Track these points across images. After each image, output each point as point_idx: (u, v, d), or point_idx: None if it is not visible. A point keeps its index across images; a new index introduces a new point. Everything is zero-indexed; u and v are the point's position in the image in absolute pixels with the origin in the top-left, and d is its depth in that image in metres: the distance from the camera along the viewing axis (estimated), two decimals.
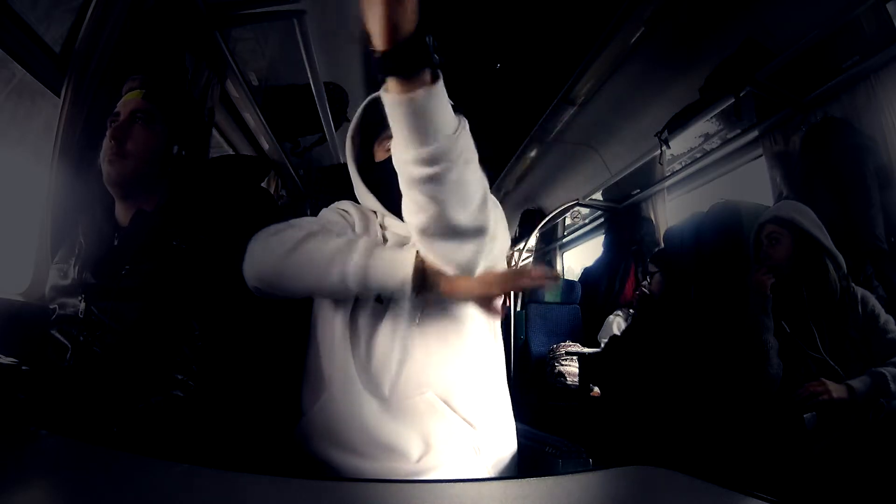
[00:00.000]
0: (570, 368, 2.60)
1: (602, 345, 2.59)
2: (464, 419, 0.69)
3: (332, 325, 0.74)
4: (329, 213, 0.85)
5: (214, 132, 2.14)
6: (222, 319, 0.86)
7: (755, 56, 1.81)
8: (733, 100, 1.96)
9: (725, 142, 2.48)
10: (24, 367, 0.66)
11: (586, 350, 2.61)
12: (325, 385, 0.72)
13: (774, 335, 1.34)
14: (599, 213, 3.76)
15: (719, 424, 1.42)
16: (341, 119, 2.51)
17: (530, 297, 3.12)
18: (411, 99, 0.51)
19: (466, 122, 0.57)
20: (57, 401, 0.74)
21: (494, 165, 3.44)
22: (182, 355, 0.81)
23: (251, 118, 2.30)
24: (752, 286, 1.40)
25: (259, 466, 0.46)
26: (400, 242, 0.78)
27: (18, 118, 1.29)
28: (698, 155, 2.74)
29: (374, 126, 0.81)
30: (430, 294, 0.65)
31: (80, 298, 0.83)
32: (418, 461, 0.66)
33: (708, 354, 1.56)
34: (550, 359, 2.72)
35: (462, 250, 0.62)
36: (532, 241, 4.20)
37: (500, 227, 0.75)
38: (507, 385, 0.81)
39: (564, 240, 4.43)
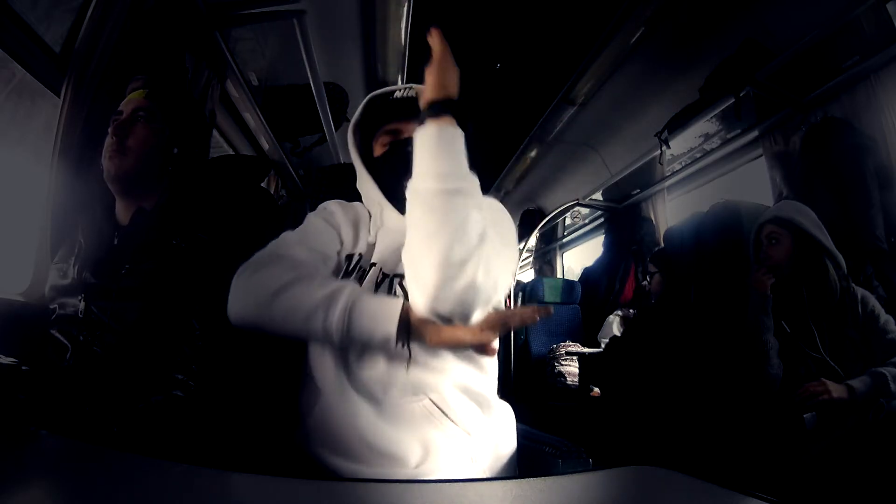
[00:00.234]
0: (570, 368, 2.60)
1: (602, 345, 2.59)
2: (459, 426, 0.69)
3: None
4: (315, 221, 0.82)
5: (214, 132, 2.14)
6: (222, 319, 0.87)
7: (755, 56, 1.81)
8: (733, 100, 1.96)
9: (725, 142, 2.48)
10: (24, 367, 0.66)
11: (586, 350, 2.61)
12: (321, 390, 0.71)
13: (774, 335, 1.34)
14: (599, 213, 3.76)
15: (719, 424, 1.42)
16: (341, 119, 2.51)
17: (530, 297, 3.12)
18: (443, 129, 0.62)
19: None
20: (57, 401, 0.74)
21: (494, 165, 3.44)
22: (182, 355, 0.82)
23: (251, 118, 2.30)
24: (752, 286, 1.40)
25: (259, 466, 0.46)
26: (395, 241, 0.76)
27: (18, 118, 1.29)
28: (698, 155, 2.74)
29: (373, 123, 0.83)
30: (417, 344, 0.65)
31: (79, 298, 0.83)
32: (417, 467, 0.66)
33: (708, 354, 1.56)
34: (550, 359, 2.72)
35: (456, 285, 0.59)
36: (532, 241, 4.20)
37: (502, 279, 0.71)
38: (504, 389, 0.80)
39: (564, 240, 4.43)
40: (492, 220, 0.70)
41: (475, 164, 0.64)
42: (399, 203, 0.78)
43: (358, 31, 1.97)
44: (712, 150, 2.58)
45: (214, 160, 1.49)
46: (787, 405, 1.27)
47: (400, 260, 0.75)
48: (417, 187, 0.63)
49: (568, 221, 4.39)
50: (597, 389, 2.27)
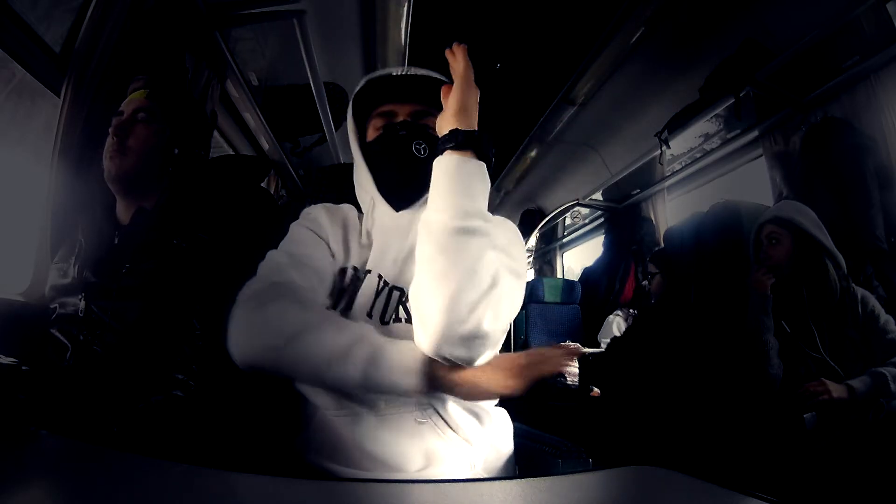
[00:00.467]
0: (570, 368, 2.60)
1: (602, 345, 2.59)
2: (460, 436, 0.68)
3: None
4: (301, 233, 0.75)
5: (214, 132, 2.14)
6: (223, 319, 0.86)
7: (755, 56, 1.81)
8: (733, 100, 1.96)
9: (725, 142, 2.48)
10: (24, 367, 0.66)
11: (586, 350, 2.61)
12: (321, 398, 0.70)
13: (774, 335, 1.34)
14: (599, 213, 3.77)
15: (719, 424, 1.42)
16: (341, 119, 2.51)
17: (530, 297, 3.12)
18: (464, 162, 0.60)
19: None
20: (57, 401, 0.74)
21: (494, 165, 3.44)
22: (182, 355, 0.82)
23: (251, 118, 2.30)
24: (752, 286, 1.40)
25: (259, 466, 0.46)
26: (390, 243, 0.74)
27: (18, 118, 1.29)
28: (698, 155, 2.74)
29: (368, 106, 0.79)
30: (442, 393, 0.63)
31: (80, 297, 0.83)
32: (417, 473, 0.65)
33: (708, 354, 1.56)
34: None
35: (463, 330, 0.56)
36: (532, 241, 4.20)
37: (512, 315, 0.68)
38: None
39: (564, 240, 4.43)
40: (505, 243, 0.68)
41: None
42: (391, 196, 0.76)
43: (358, 31, 1.97)
44: (712, 150, 2.58)
45: (214, 160, 1.49)
46: (787, 405, 1.27)
47: (398, 268, 0.73)
48: (431, 221, 0.60)
49: (568, 221, 4.39)
50: (597, 389, 2.27)
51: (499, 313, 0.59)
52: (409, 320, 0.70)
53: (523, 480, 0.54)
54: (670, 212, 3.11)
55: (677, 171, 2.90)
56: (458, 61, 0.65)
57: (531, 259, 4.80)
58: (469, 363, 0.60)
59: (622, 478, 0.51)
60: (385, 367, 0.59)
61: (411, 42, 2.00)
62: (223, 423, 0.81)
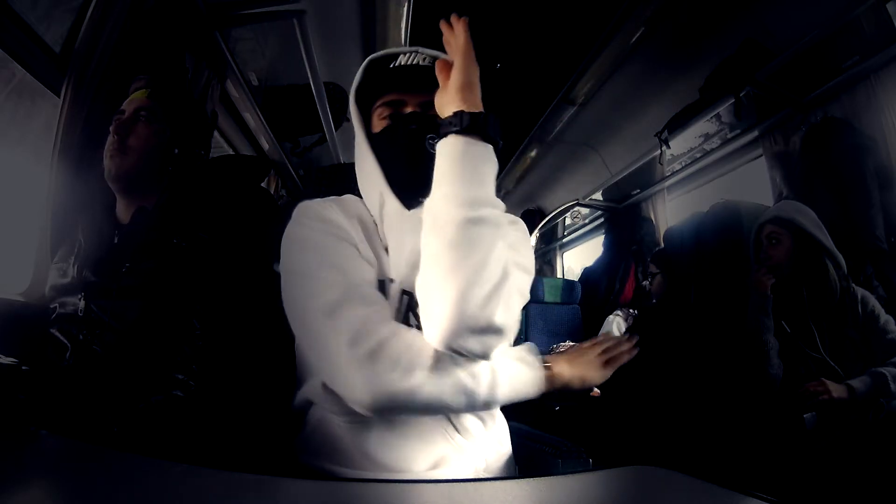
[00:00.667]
0: None
1: None
2: (467, 440, 0.68)
3: None
4: (331, 244, 0.67)
5: (214, 132, 2.14)
6: (223, 319, 0.86)
7: (755, 56, 1.81)
8: (733, 100, 1.96)
9: (725, 142, 2.48)
10: (24, 367, 0.66)
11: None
12: (327, 403, 0.67)
13: (774, 335, 1.34)
14: (599, 213, 3.76)
15: (719, 424, 1.42)
16: (341, 119, 2.51)
17: (530, 297, 3.12)
18: (471, 146, 0.57)
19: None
20: (57, 401, 0.74)
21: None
22: (183, 354, 0.81)
23: (251, 118, 2.30)
24: (752, 286, 1.40)
25: (259, 467, 0.46)
26: (404, 245, 0.70)
27: (18, 118, 1.29)
28: (698, 155, 2.74)
29: (372, 91, 0.73)
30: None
31: (79, 297, 0.83)
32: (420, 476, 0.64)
33: (708, 355, 1.56)
34: None
35: (474, 325, 0.55)
36: (532, 241, 4.20)
37: (520, 308, 0.67)
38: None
39: (564, 240, 4.43)
40: (514, 242, 0.65)
41: None
42: (403, 194, 0.70)
43: (358, 31, 1.97)
44: (712, 150, 2.58)
45: (214, 160, 1.49)
46: (787, 405, 1.27)
47: (411, 270, 0.68)
48: (437, 211, 0.56)
49: (568, 221, 4.39)
50: (597, 389, 2.27)
51: (510, 304, 0.57)
52: (419, 327, 0.66)
53: (523, 480, 0.54)
54: (670, 212, 3.11)
55: (677, 171, 2.90)
56: (458, 35, 0.61)
57: None
58: (483, 357, 0.58)
59: (622, 478, 0.51)
60: (507, 386, 0.65)
61: (411, 42, 2.00)
62: (223, 423, 0.81)
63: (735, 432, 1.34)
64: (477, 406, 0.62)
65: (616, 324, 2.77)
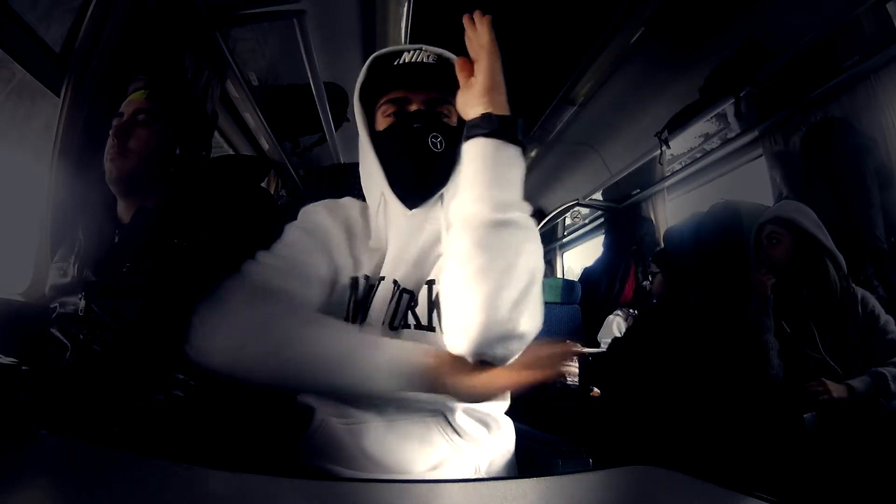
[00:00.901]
0: (570, 368, 2.60)
1: (602, 345, 2.59)
2: (469, 443, 0.67)
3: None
4: (294, 237, 0.69)
5: (215, 132, 2.14)
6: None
7: (755, 56, 1.81)
8: (733, 100, 1.96)
9: (725, 142, 2.48)
10: (24, 367, 0.66)
11: (586, 350, 2.61)
12: (326, 405, 0.67)
13: (775, 335, 1.34)
14: (599, 213, 3.77)
15: (719, 424, 1.42)
16: (341, 119, 2.51)
17: None
18: (502, 149, 0.56)
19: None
20: (57, 401, 0.74)
21: None
22: (183, 354, 0.81)
23: (251, 118, 2.30)
24: (752, 286, 1.40)
25: (259, 466, 0.46)
26: (405, 246, 0.70)
27: (18, 118, 1.29)
28: (698, 155, 2.75)
29: (376, 89, 0.73)
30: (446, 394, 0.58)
31: (80, 296, 0.83)
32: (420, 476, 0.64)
33: (708, 355, 1.56)
34: None
35: (501, 329, 0.54)
36: None
37: None
38: (508, 396, 0.75)
39: (564, 240, 4.43)
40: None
41: None
42: (405, 194, 0.70)
43: (358, 31, 1.97)
44: (712, 150, 2.58)
45: (214, 160, 1.49)
46: (787, 405, 1.27)
47: (411, 270, 0.69)
48: (467, 213, 0.56)
49: (568, 221, 4.39)
50: (597, 390, 2.28)
51: (534, 312, 0.56)
52: (417, 326, 0.67)
53: (523, 480, 0.54)
54: (670, 212, 3.11)
55: (677, 171, 2.90)
56: (481, 34, 0.59)
57: None
58: (503, 363, 0.57)
59: (622, 478, 0.51)
60: (382, 368, 0.55)
61: (411, 42, 1.99)
62: (224, 423, 0.81)
63: (735, 432, 1.35)
64: (346, 390, 0.57)
65: (616, 324, 2.77)
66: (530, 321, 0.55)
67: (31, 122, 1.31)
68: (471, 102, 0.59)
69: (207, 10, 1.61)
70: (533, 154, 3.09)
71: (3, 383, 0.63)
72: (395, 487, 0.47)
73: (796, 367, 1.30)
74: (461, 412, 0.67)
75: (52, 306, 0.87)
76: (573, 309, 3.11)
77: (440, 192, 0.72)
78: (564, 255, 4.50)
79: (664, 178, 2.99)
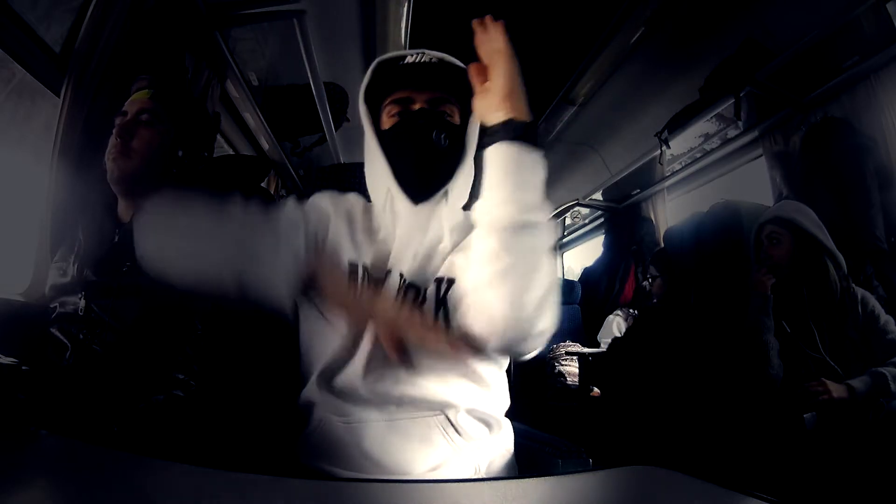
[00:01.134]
0: (570, 368, 2.60)
1: (602, 345, 2.59)
2: (469, 443, 0.67)
3: (326, 330, 0.68)
4: (289, 208, 0.72)
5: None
6: (224, 319, 0.86)
7: (755, 56, 1.81)
8: (733, 100, 1.96)
9: (725, 142, 2.48)
10: (24, 367, 0.66)
11: (586, 350, 2.61)
12: (328, 403, 0.67)
13: (775, 335, 1.34)
14: (599, 213, 3.77)
15: (719, 424, 1.42)
16: (341, 119, 2.51)
17: None
18: (526, 154, 0.59)
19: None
20: (57, 401, 0.74)
21: None
22: (184, 354, 0.82)
23: (251, 118, 2.31)
24: (752, 286, 1.40)
25: (259, 466, 0.46)
26: (411, 239, 0.71)
27: (18, 118, 1.30)
28: (698, 155, 2.75)
29: (380, 91, 0.75)
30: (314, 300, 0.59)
31: (80, 296, 0.83)
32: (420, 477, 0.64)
33: (708, 355, 1.56)
34: (550, 359, 2.72)
35: (525, 327, 0.57)
36: None
37: None
38: (508, 396, 0.76)
39: (564, 240, 4.43)
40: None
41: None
42: (410, 189, 0.71)
43: (358, 31, 1.97)
44: (712, 150, 2.58)
45: (215, 160, 1.49)
46: (787, 405, 1.27)
47: (418, 264, 0.70)
48: (495, 215, 0.58)
49: (568, 221, 4.39)
50: (597, 390, 2.28)
51: (554, 311, 0.59)
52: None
53: (523, 480, 0.54)
54: (670, 212, 3.12)
55: (677, 171, 2.90)
56: (495, 40, 0.61)
57: None
58: (521, 356, 0.61)
59: (622, 478, 0.51)
60: (263, 265, 0.58)
61: (411, 42, 2.00)
62: (224, 423, 0.81)
63: (735, 432, 1.35)
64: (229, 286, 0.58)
65: (616, 324, 2.78)
66: (551, 319, 0.59)
67: (31, 122, 1.31)
68: (491, 108, 0.61)
69: (207, 10, 1.61)
70: None
71: (3, 383, 0.63)
72: (395, 487, 0.47)
73: (796, 367, 1.30)
74: (464, 412, 0.67)
75: (52, 306, 0.87)
76: (573, 309, 3.12)
77: (445, 189, 0.73)
78: (564, 255, 4.50)
79: (664, 178, 2.99)
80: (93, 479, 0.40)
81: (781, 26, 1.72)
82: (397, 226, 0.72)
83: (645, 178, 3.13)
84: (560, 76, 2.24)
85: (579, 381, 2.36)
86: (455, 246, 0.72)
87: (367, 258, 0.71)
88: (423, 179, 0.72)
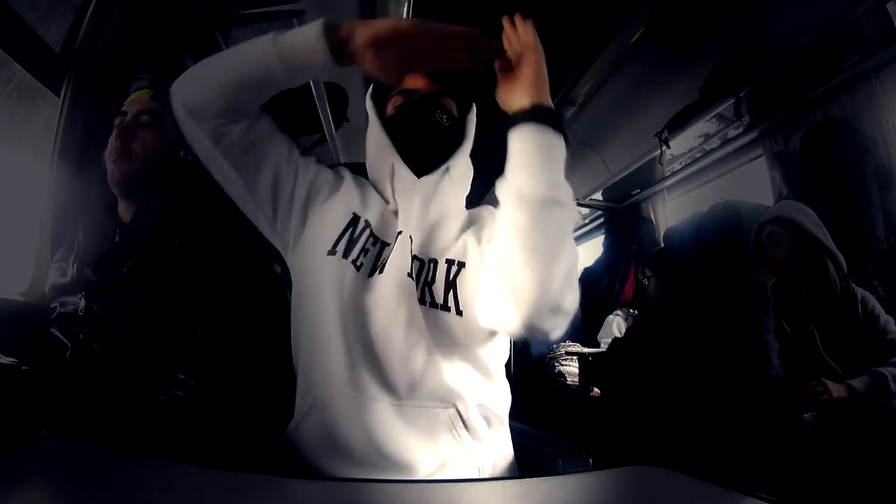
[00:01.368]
0: (570, 368, 2.60)
1: (602, 345, 2.59)
2: (475, 439, 0.67)
3: (325, 306, 0.67)
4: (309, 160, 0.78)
5: None
6: (224, 319, 0.86)
7: (755, 56, 1.81)
8: (733, 100, 1.96)
9: (725, 142, 2.48)
10: (24, 367, 0.66)
11: (586, 350, 2.61)
12: (323, 382, 0.66)
13: (775, 335, 1.34)
14: (599, 213, 3.76)
15: (720, 425, 1.42)
16: (341, 119, 2.50)
17: None
18: (553, 137, 0.61)
19: None
20: (57, 401, 0.74)
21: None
22: (184, 354, 0.81)
23: None
24: (752, 286, 1.40)
25: (259, 466, 0.46)
26: (415, 209, 0.74)
27: (18, 118, 1.29)
28: (698, 155, 2.74)
29: (386, 88, 0.80)
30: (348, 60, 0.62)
31: (80, 296, 0.83)
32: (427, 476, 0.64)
33: (708, 355, 1.56)
34: (550, 359, 2.72)
35: (553, 302, 0.59)
36: None
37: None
38: (510, 396, 0.77)
39: None
40: None
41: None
42: (414, 162, 0.75)
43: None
44: (712, 150, 2.58)
45: None
46: (787, 405, 1.27)
47: (424, 234, 0.72)
48: (523, 191, 0.59)
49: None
50: (597, 390, 2.28)
51: (576, 291, 0.61)
52: (433, 304, 0.69)
53: (523, 480, 0.55)
54: (670, 212, 3.11)
55: (677, 171, 2.90)
56: (526, 35, 0.65)
57: None
58: (546, 338, 0.62)
59: (622, 478, 0.51)
60: (293, 39, 0.61)
61: None
62: (224, 423, 0.81)
63: (735, 432, 1.35)
64: (265, 62, 0.63)
65: (616, 324, 2.77)
66: (574, 299, 0.61)
67: (31, 122, 1.31)
68: (517, 94, 0.64)
69: (207, 10, 1.61)
70: None
71: (3, 383, 0.63)
72: (395, 487, 0.47)
73: (796, 367, 1.30)
74: (474, 407, 0.67)
75: (52, 306, 0.87)
76: None
77: (447, 164, 0.77)
78: None
79: (664, 178, 2.99)
80: (93, 479, 0.40)
81: (781, 26, 1.72)
82: (401, 196, 0.75)
83: (645, 178, 3.12)
84: (560, 76, 2.24)
85: (579, 381, 2.36)
86: (461, 229, 0.75)
87: (369, 215, 0.74)
88: (425, 153, 0.76)
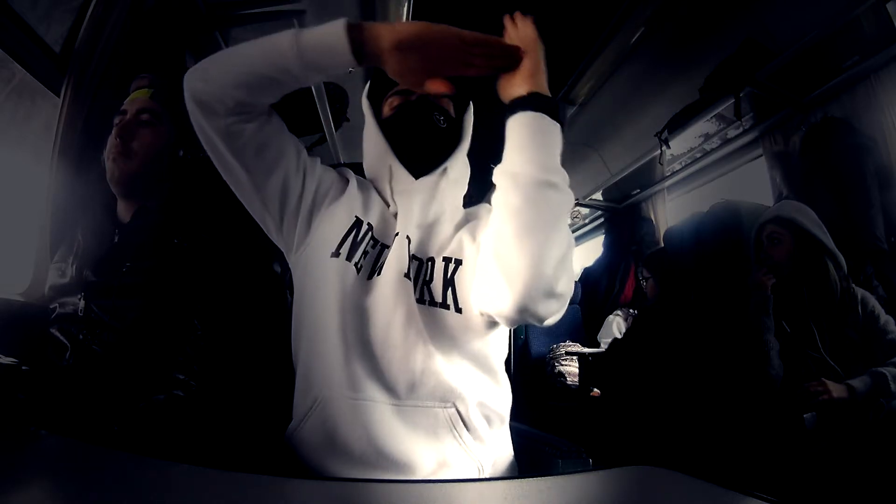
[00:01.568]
0: (570, 368, 2.60)
1: (602, 345, 2.59)
2: (475, 439, 0.67)
3: (327, 307, 0.67)
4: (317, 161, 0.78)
5: None
6: (224, 319, 0.86)
7: (755, 56, 1.81)
8: (733, 100, 1.96)
9: (725, 142, 2.48)
10: (24, 367, 0.66)
11: (586, 350, 2.61)
12: (323, 382, 0.66)
13: (775, 335, 1.34)
14: (599, 213, 3.76)
15: (720, 425, 1.42)
16: (341, 119, 2.50)
17: None
18: (548, 122, 0.62)
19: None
20: (57, 401, 0.74)
21: None
22: (184, 354, 0.81)
23: None
24: (752, 286, 1.40)
25: (259, 466, 0.46)
26: (413, 211, 0.74)
27: (18, 118, 1.29)
28: (698, 155, 2.74)
29: (383, 88, 0.80)
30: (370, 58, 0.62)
31: (79, 296, 0.83)
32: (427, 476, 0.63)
33: (708, 355, 1.56)
34: (550, 359, 2.72)
35: (545, 285, 0.57)
36: None
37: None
38: (510, 394, 0.76)
39: None
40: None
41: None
42: (411, 163, 0.75)
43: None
44: (712, 150, 2.58)
45: None
46: (787, 405, 1.27)
47: (423, 234, 0.73)
48: (517, 173, 0.60)
49: (568, 221, 4.38)
50: (597, 390, 2.28)
51: (571, 276, 0.61)
52: (432, 302, 0.69)
53: (523, 480, 0.54)
54: (670, 212, 3.11)
55: (677, 171, 2.90)
56: (526, 31, 0.66)
57: None
58: (541, 322, 0.61)
59: (622, 478, 0.51)
60: (315, 37, 0.63)
61: None
62: (224, 423, 0.81)
63: (735, 432, 1.35)
64: (286, 61, 0.64)
65: (616, 324, 2.78)
66: (568, 283, 0.60)
67: (31, 122, 1.31)
68: (516, 84, 0.64)
69: (207, 10, 1.61)
70: None
71: (3, 383, 0.63)
72: (395, 487, 0.47)
73: (796, 367, 1.30)
74: (474, 406, 0.67)
75: (51, 306, 0.87)
76: (573, 309, 3.11)
77: (444, 166, 0.77)
78: None
79: (664, 178, 2.99)
80: (93, 479, 0.40)
81: (781, 26, 1.72)
82: (399, 197, 0.76)
83: (645, 178, 3.12)
84: (560, 76, 2.24)
85: (579, 381, 2.36)
86: (456, 227, 0.76)
87: (370, 218, 0.75)
88: (423, 155, 0.76)
